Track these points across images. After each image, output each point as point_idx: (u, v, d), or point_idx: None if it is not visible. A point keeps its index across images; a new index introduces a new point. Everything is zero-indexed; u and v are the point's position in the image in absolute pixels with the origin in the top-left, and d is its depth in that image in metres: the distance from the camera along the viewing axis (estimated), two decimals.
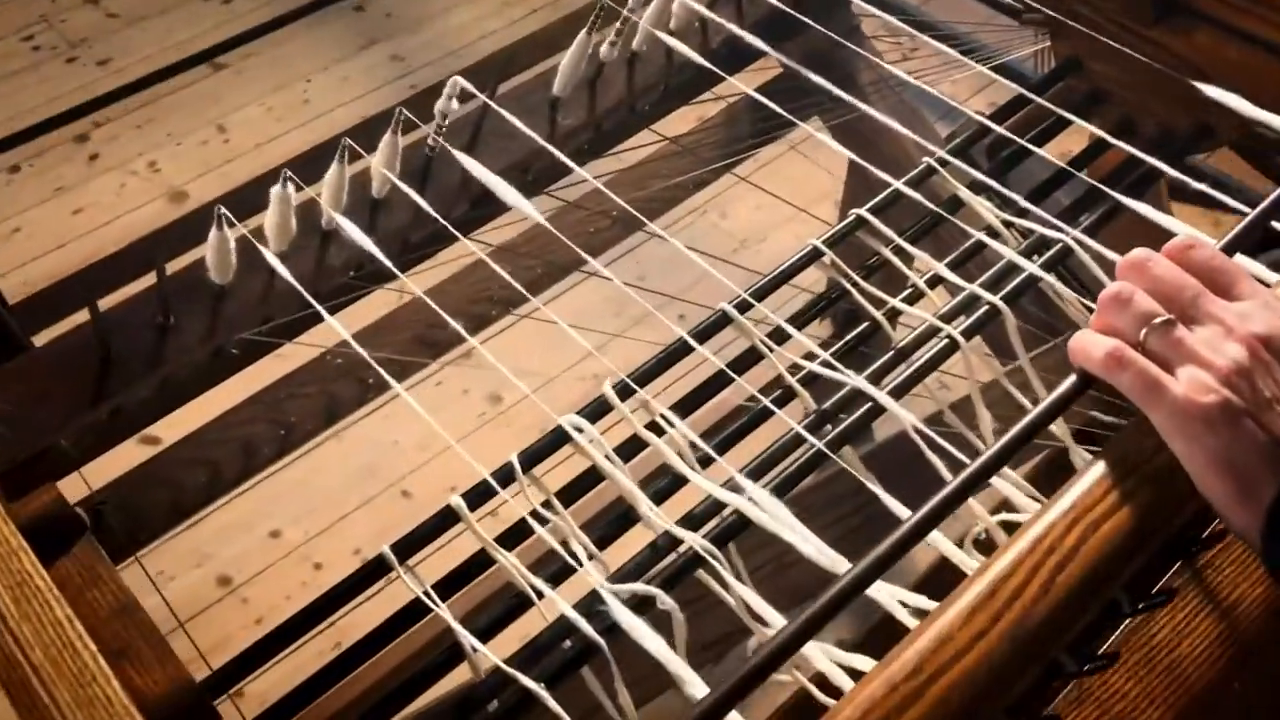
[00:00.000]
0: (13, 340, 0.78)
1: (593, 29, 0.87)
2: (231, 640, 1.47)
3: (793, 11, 0.93)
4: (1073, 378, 0.55)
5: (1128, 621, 0.58)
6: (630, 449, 0.66)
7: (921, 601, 0.57)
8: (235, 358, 0.81)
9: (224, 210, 0.76)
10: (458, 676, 0.63)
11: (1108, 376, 0.53)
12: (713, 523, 0.63)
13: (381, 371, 0.71)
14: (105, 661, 0.51)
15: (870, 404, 0.67)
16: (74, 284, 0.91)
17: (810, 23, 0.92)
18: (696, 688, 0.54)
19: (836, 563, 0.58)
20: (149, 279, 0.77)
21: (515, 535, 0.64)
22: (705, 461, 0.66)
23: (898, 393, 0.68)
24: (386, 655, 0.64)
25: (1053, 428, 0.63)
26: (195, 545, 1.56)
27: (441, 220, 0.79)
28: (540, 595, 0.61)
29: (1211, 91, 0.77)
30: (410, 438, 1.66)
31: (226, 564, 1.57)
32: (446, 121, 0.84)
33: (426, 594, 0.62)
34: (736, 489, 0.63)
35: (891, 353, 0.70)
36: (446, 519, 0.65)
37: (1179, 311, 0.54)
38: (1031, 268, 0.72)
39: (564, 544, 0.63)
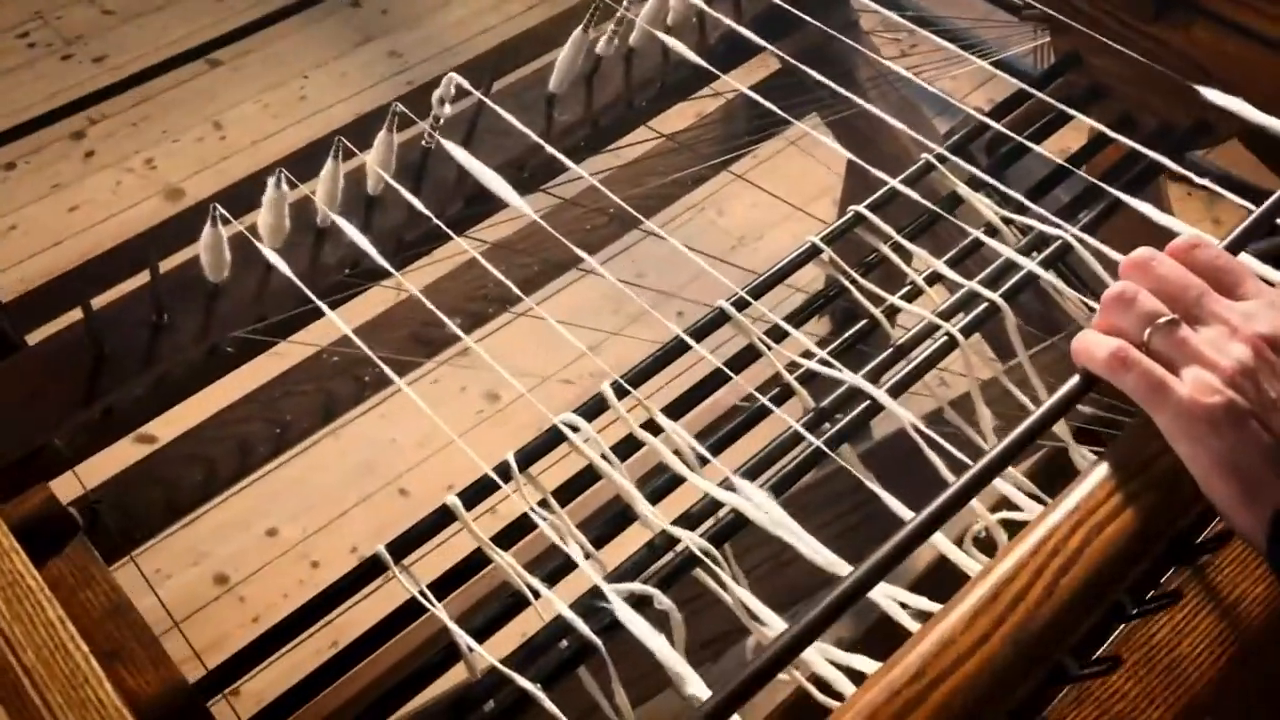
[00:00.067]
0: (5, 339, 0.77)
1: (589, 25, 0.87)
2: (229, 638, 1.47)
3: (791, 7, 0.92)
4: (1076, 378, 0.55)
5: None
6: (627, 448, 0.66)
7: (921, 602, 0.57)
8: (230, 356, 0.81)
9: (218, 208, 0.75)
10: (455, 676, 0.62)
11: (1111, 377, 0.53)
12: (709, 522, 0.62)
13: (383, 366, 0.71)
14: (98, 663, 0.51)
15: (868, 402, 0.67)
16: (67, 282, 0.90)
17: (808, 19, 0.92)
18: (697, 688, 0.54)
19: (832, 561, 0.58)
20: (143, 277, 0.76)
21: (512, 534, 0.64)
22: (702, 460, 0.66)
23: (896, 390, 0.68)
24: (383, 654, 0.64)
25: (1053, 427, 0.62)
26: (192, 544, 1.56)
27: (435, 220, 0.78)
28: (537, 595, 0.61)
29: (1213, 95, 0.77)
30: (408, 436, 1.65)
31: (223, 562, 1.57)
32: (442, 119, 0.83)
33: (422, 593, 0.62)
34: (733, 488, 0.63)
35: (890, 350, 0.70)
36: (443, 518, 0.64)
37: (1183, 311, 0.53)
38: (1030, 265, 0.72)
39: (561, 543, 0.63)
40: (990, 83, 0.90)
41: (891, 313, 0.73)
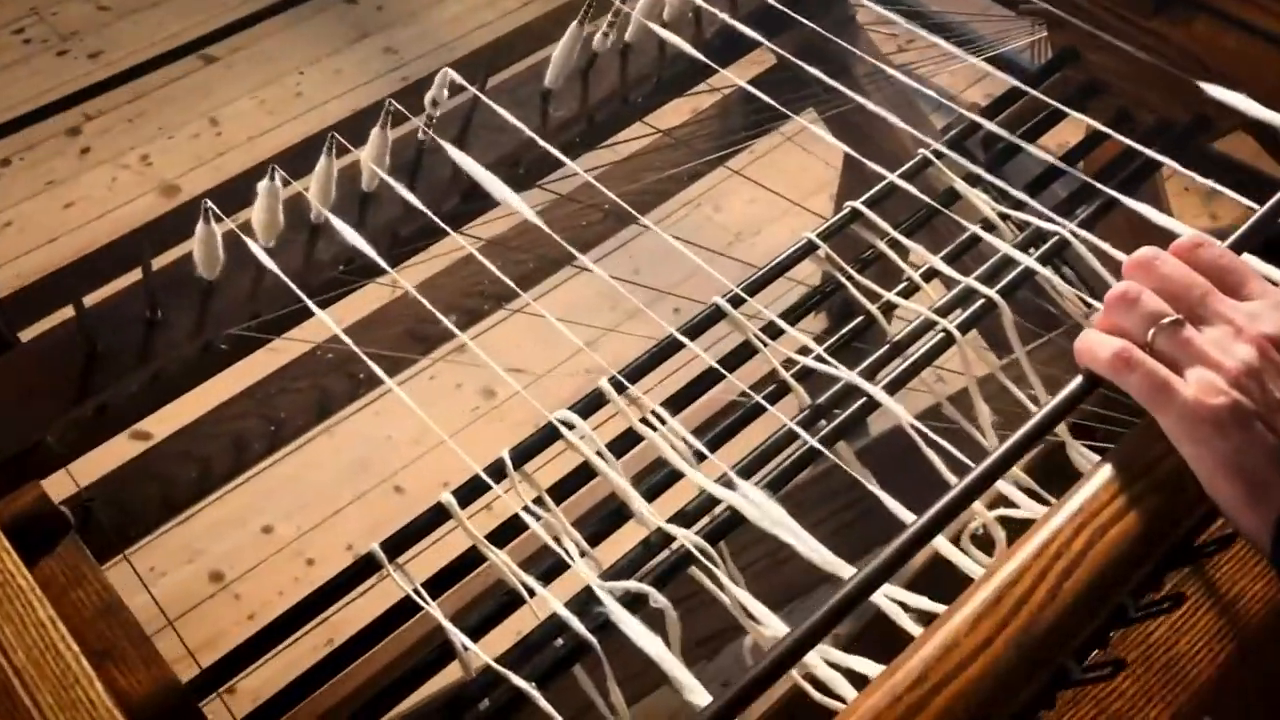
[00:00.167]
0: None
1: (585, 20, 0.86)
2: (223, 636, 1.47)
3: (786, 4, 0.92)
4: (1079, 379, 0.54)
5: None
6: (623, 445, 0.66)
7: (921, 602, 0.57)
8: (224, 353, 0.81)
9: (211, 204, 0.75)
10: (450, 674, 0.62)
11: (1115, 378, 0.52)
12: (705, 519, 0.62)
13: (373, 366, 0.71)
14: (89, 663, 0.50)
15: (865, 399, 0.67)
16: (60, 279, 0.90)
17: (803, 17, 0.91)
18: (696, 694, 0.54)
19: (829, 560, 0.58)
20: (137, 273, 0.76)
21: (507, 532, 0.64)
22: (699, 456, 0.65)
23: (893, 387, 0.67)
24: (379, 652, 0.64)
25: None
26: (186, 541, 1.55)
27: (430, 216, 0.78)
28: (532, 593, 0.61)
29: (1214, 91, 0.77)
30: (403, 433, 1.65)
31: (218, 560, 1.56)
32: (437, 113, 0.83)
33: (417, 591, 0.61)
34: (729, 485, 0.62)
35: (887, 346, 0.70)
36: (438, 515, 0.64)
37: (1187, 311, 0.53)
38: (1028, 261, 0.72)
39: (556, 541, 0.63)
40: (988, 78, 0.89)
41: (888, 309, 0.73)
